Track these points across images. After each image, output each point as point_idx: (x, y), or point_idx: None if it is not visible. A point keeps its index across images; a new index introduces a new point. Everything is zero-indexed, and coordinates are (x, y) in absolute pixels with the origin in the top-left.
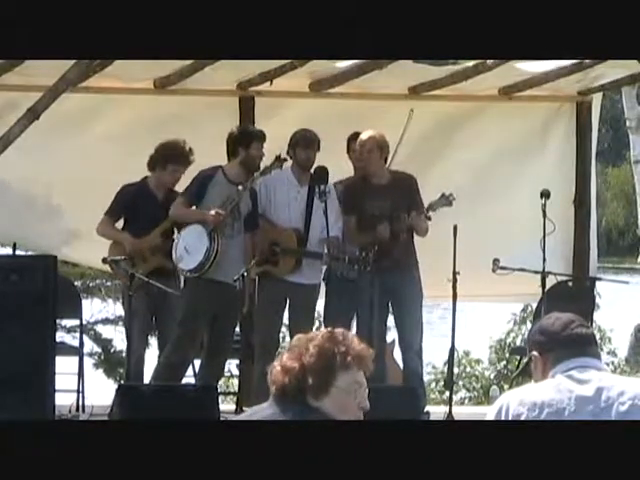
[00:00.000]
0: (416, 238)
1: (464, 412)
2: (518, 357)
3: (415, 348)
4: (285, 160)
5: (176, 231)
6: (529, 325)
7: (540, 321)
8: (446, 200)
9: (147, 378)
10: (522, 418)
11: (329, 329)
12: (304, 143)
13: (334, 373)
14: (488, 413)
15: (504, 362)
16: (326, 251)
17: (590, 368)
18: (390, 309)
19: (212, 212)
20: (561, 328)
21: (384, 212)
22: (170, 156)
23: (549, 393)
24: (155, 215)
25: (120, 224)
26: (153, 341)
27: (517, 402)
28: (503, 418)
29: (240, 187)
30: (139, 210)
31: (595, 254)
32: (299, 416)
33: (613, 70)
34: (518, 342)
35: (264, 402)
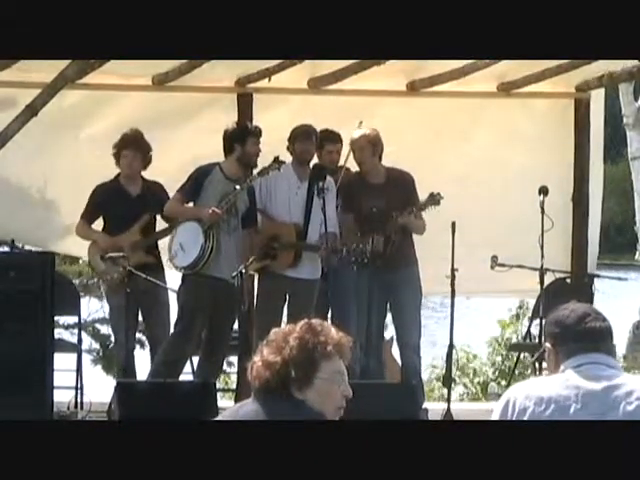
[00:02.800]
0: (415, 235)
1: (463, 409)
2: (516, 354)
3: (413, 345)
4: (283, 162)
5: (165, 223)
6: (525, 322)
7: (557, 311)
8: (434, 200)
9: (140, 375)
10: (528, 412)
11: (306, 320)
12: (302, 136)
13: (317, 364)
14: (495, 407)
15: (500, 358)
16: (324, 245)
17: (601, 365)
18: (389, 306)
19: (209, 210)
20: (575, 321)
21: (380, 211)
22: (120, 146)
23: (556, 388)
24: (130, 212)
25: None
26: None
27: (523, 396)
28: (510, 412)
29: (238, 186)
30: (114, 209)
31: (596, 250)
32: (284, 411)
33: (610, 67)
34: (514, 338)
35: None
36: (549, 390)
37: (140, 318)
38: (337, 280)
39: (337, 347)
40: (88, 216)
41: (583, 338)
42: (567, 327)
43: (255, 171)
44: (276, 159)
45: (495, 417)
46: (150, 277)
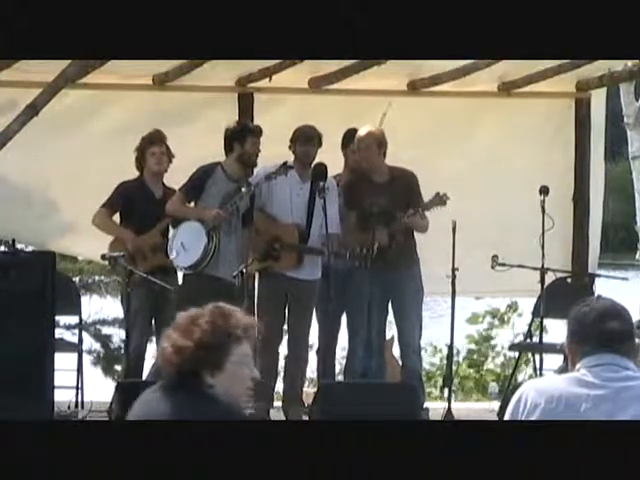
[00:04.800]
0: (416, 234)
1: (463, 408)
2: (517, 354)
3: (414, 345)
4: (291, 168)
5: (171, 227)
6: (514, 321)
7: (579, 307)
8: (440, 200)
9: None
10: (539, 409)
11: (215, 304)
12: (303, 138)
13: (228, 347)
14: (510, 402)
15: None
16: (325, 248)
17: (616, 366)
18: (390, 306)
19: (213, 212)
20: (593, 321)
21: (383, 209)
22: (145, 145)
23: (568, 387)
24: (153, 212)
25: (116, 220)
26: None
27: (536, 393)
28: (522, 407)
29: (244, 189)
30: (137, 206)
31: (596, 250)
32: (192, 396)
33: (610, 65)
34: (501, 338)
35: (263, 398)
36: (561, 388)
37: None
38: (347, 282)
39: (246, 330)
40: (111, 207)
41: (599, 339)
42: (585, 327)
43: (256, 170)
44: (284, 164)
45: (508, 412)
46: (166, 279)
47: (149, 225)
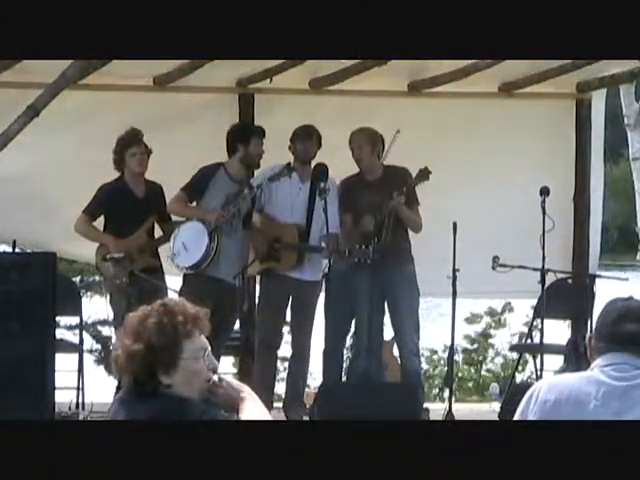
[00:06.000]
0: (415, 235)
1: (463, 408)
2: (517, 354)
3: (412, 345)
4: (294, 170)
5: (158, 226)
6: (510, 320)
7: (608, 304)
8: (424, 175)
9: None
10: (548, 405)
11: (161, 301)
12: (303, 135)
13: (179, 344)
14: (524, 397)
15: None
16: (325, 247)
17: (627, 365)
18: (386, 307)
19: (215, 213)
20: (611, 321)
21: (375, 206)
22: (124, 146)
23: (579, 384)
24: (136, 213)
25: (100, 223)
26: None
27: (548, 388)
28: (533, 402)
29: (247, 190)
30: (119, 208)
31: (597, 251)
32: (153, 399)
33: (611, 67)
34: (498, 339)
35: (264, 399)
36: (572, 385)
37: None
38: (350, 284)
39: (195, 322)
40: (91, 213)
41: (614, 340)
42: (604, 326)
43: (257, 172)
44: (287, 165)
45: (520, 408)
46: (154, 279)
47: (133, 226)
